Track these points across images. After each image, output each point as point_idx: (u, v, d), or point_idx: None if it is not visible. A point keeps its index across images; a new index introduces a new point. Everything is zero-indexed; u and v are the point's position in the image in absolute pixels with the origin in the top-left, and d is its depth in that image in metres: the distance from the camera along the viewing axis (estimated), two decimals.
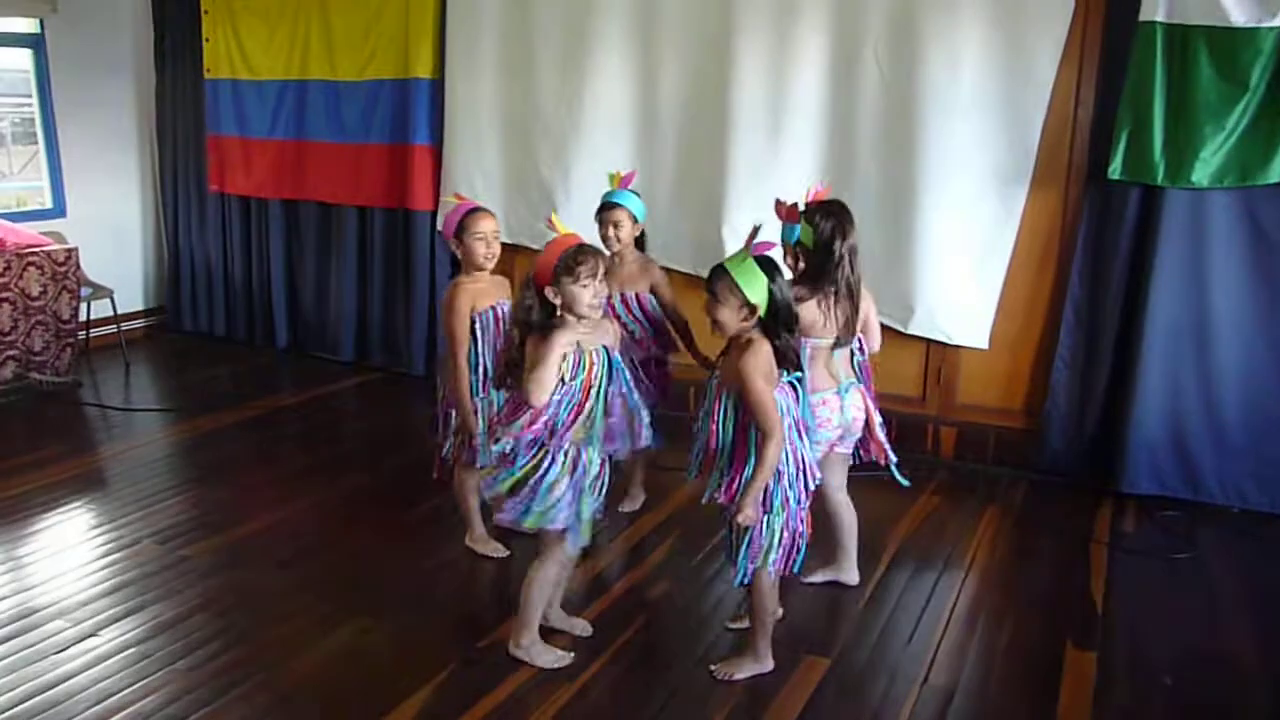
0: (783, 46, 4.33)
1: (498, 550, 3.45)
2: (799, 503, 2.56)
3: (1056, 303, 4.13)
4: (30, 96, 5.88)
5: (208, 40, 5.95)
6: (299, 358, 6.06)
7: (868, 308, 3.08)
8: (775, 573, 2.61)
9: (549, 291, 2.47)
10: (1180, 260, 3.77)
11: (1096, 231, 3.96)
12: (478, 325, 3.15)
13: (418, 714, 2.55)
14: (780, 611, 2.85)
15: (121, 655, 2.78)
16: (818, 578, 3.24)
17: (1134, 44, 3.71)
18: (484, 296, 3.17)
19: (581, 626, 2.94)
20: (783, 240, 3.24)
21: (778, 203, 2.90)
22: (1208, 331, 3.79)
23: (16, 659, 2.76)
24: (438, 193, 5.37)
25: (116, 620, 2.97)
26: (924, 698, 2.65)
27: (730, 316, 2.44)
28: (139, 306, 6.56)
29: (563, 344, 2.46)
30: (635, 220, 3.44)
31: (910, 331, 4.29)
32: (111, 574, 3.26)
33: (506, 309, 3.17)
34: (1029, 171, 4.03)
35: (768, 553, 2.55)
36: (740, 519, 2.48)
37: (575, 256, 2.46)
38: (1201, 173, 3.65)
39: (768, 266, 2.42)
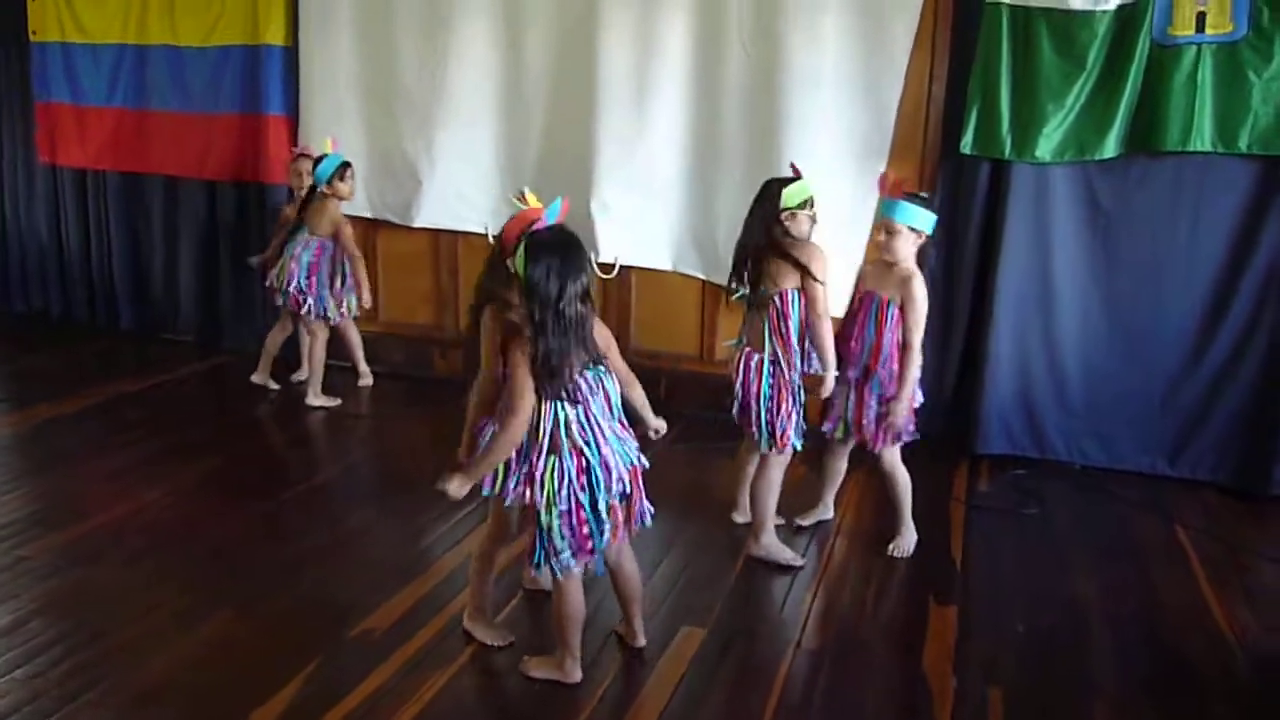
0: (649, 19, 4.31)
1: None
2: (588, 503, 2.38)
3: None
4: None
5: None
6: (144, 341, 5.70)
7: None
8: (574, 570, 2.44)
9: (511, 263, 2.33)
10: (1026, 231, 3.97)
11: (951, 204, 4.12)
12: None
13: (288, 708, 2.45)
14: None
15: None
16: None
17: (981, 25, 3.87)
18: None
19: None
20: (881, 215, 3.14)
21: (882, 176, 2.88)
22: (1050, 298, 4.01)
23: None
24: None
25: None
26: (798, 660, 2.73)
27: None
28: None
29: None
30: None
31: None
32: None
33: None
34: (887, 146, 4.14)
35: (555, 550, 2.39)
36: (441, 485, 2.34)
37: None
38: (1044, 148, 3.85)
39: (533, 247, 2.25)
